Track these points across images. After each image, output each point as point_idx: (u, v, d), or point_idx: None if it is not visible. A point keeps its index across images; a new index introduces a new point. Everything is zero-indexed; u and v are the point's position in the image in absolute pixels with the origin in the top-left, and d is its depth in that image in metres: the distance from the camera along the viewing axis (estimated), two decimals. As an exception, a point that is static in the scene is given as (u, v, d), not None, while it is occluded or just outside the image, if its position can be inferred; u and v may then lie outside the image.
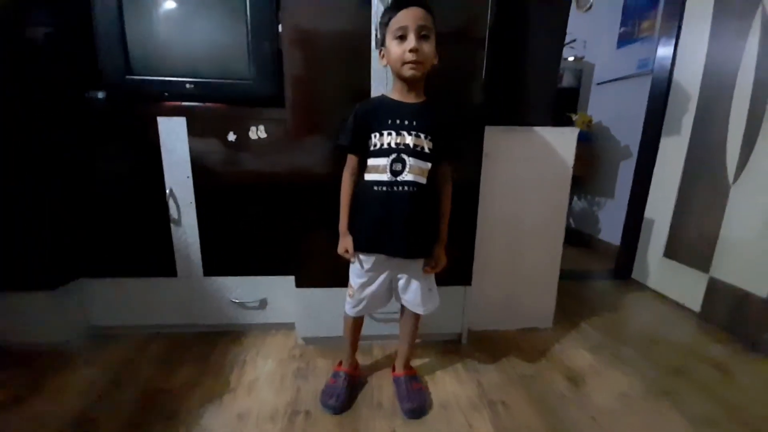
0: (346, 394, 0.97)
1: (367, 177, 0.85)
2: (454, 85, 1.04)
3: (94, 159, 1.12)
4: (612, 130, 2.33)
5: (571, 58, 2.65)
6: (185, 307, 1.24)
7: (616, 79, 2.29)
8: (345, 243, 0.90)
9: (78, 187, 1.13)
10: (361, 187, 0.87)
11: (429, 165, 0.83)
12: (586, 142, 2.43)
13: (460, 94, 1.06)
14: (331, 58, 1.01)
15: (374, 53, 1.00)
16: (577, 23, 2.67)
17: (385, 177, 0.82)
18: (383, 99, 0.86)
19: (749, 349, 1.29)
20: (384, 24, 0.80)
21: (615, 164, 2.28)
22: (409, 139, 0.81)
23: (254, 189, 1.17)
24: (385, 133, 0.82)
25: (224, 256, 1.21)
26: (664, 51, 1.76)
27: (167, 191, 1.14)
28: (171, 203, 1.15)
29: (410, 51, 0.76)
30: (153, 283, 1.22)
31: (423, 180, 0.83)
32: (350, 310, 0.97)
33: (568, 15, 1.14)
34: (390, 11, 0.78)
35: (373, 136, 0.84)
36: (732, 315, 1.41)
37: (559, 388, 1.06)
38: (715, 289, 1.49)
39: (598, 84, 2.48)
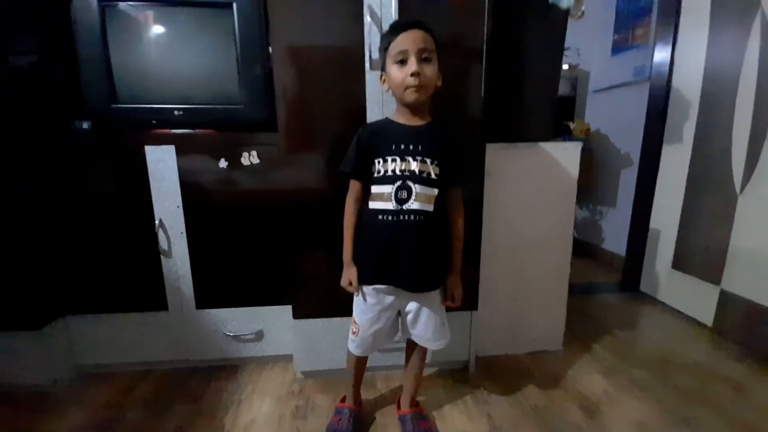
0: (351, 431, 0.91)
1: (371, 205, 0.81)
2: (453, 103, 1.01)
3: (79, 191, 1.07)
4: (611, 138, 2.31)
5: (565, 66, 2.64)
6: (177, 342, 1.18)
7: (612, 87, 2.27)
8: (349, 274, 0.85)
9: (63, 221, 1.08)
10: (365, 215, 0.83)
11: (436, 191, 0.79)
12: (586, 150, 2.40)
13: (459, 112, 1.03)
14: (324, 78, 0.97)
15: (369, 73, 0.97)
16: (570, 31, 2.68)
17: (390, 206, 0.78)
18: (387, 123, 0.83)
19: (764, 366, 1.23)
20: (384, 49, 0.77)
21: (616, 173, 2.25)
22: (414, 165, 0.77)
23: (247, 217, 1.12)
24: (389, 159, 0.78)
25: (217, 287, 1.16)
26: (661, 58, 1.74)
27: (156, 222, 1.09)
28: (161, 234, 1.10)
29: (412, 75, 0.73)
30: (143, 318, 1.16)
31: (430, 207, 0.79)
32: (355, 349, 0.91)
33: (565, 29, 1.12)
34: (389, 35, 0.76)
35: (376, 162, 0.80)
36: (745, 329, 1.36)
37: (573, 418, 1.00)
38: (727, 303, 1.44)
39: (595, 91, 2.46)
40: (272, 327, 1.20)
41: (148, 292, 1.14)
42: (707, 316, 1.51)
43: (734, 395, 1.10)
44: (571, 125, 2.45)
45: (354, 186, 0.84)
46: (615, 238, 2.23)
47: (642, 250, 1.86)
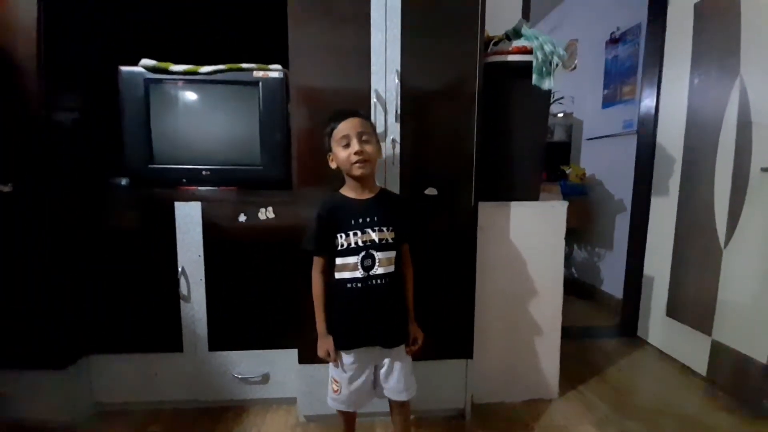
0: None
1: (338, 276, 0.90)
2: (450, 168, 1.15)
3: (111, 240, 1.20)
4: (605, 184, 2.42)
5: (560, 114, 2.82)
6: (189, 382, 1.26)
7: (604, 137, 2.42)
8: (326, 344, 0.91)
9: (92, 266, 1.20)
10: (333, 286, 0.91)
11: (394, 253, 0.91)
12: (582, 195, 2.51)
13: (455, 175, 1.15)
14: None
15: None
16: (565, 81, 2.88)
17: (358, 274, 0.88)
18: (341, 198, 0.93)
19: (754, 416, 1.25)
20: (328, 134, 0.90)
21: (611, 217, 2.34)
22: (374, 235, 0.88)
23: (260, 265, 1.23)
24: (351, 233, 0.88)
25: (230, 330, 1.25)
26: (646, 115, 1.89)
27: (179, 269, 1.20)
28: (182, 281, 1.21)
29: (355, 153, 0.85)
30: (159, 358, 1.24)
31: (392, 268, 0.90)
32: (340, 406, 0.95)
33: (549, 106, 1.27)
34: (332, 123, 0.89)
35: (339, 236, 0.89)
36: (736, 380, 1.39)
37: (565, 472, 1.04)
38: (718, 353, 1.47)
39: (588, 139, 2.61)
40: (278, 370, 1.27)
41: (166, 333, 1.23)
42: (701, 365, 1.54)
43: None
44: (567, 170, 2.58)
45: (318, 261, 0.92)
46: (612, 280, 2.29)
47: (638, 296, 1.91)
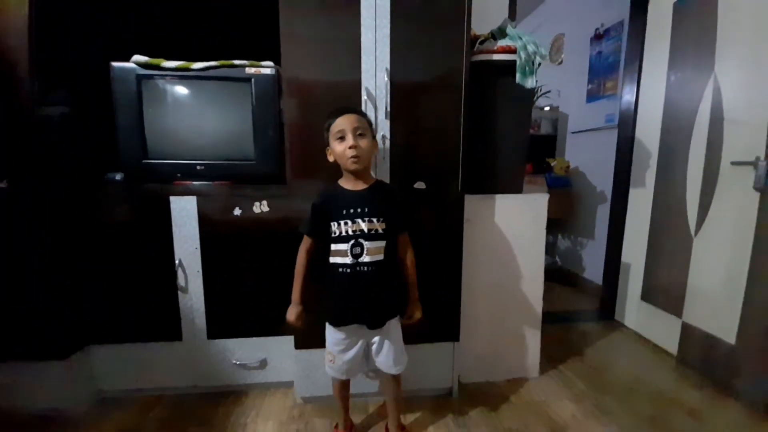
0: None
1: (332, 260, 0.98)
2: (438, 164, 1.20)
3: (109, 234, 1.22)
4: (588, 176, 2.51)
5: (547, 108, 2.89)
6: (189, 369, 1.31)
7: (587, 130, 2.50)
8: (295, 311, 1.03)
9: (92, 259, 1.23)
10: (328, 269, 1.00)
11: (384, 243, 0.98)
12: (566, 186, 2.60)
13: (443, 170, 1.21)
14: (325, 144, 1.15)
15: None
16: (551, 75, 2.94)
17: (348, 260, 0.96)
18: (336, 189, 1.00)
19: (722, 394, 1.37)
20: (326, 129, 0.97)
21: (593, 207, 2.44)
22: (363, 225, 0.95)
23: (256, 256, 1.27)
24: (342, 222, 0.96)
25: (227, 319, 1.30)
26: (626, 110, 1.97)
27: (177, 262, 1.24)
28: (180, 272, 1.25)
29: (350, 148, 0.92)
30: (159, 347, 1.29)
31: (381, 257, 0.97)
32: (334, 373, 1.07)
33: (532, 103, 1.33)
34: (330, 118, 0.96)
35: (332, 224, 0.97)
36: (705, 360, 1.51)
37: (543, 441, 1.13)
38: (688, 335, 1.59)
39: (573, 133, 2.69)
40: (275, 356, 1.33)
41: (165, 323, 1.27)
42: (672, 346, 1.66)
43: (689, 420, 1.23)
44: (552, 163, 2.66)
45: (306, 240, 1.02)
46: (594, 267, 2.40)
47: (615, 282, 2.02)
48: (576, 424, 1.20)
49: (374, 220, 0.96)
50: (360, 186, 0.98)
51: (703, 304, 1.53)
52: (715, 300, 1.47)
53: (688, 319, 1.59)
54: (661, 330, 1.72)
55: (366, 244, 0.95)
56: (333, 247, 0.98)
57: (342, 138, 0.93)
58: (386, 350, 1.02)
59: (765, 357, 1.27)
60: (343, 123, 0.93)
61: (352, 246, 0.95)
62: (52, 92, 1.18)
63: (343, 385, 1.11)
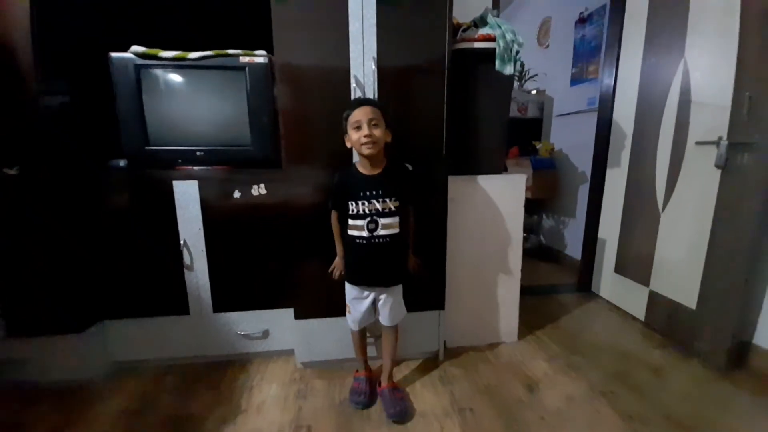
0: (369, 392, 1.23)
1: (350, 232, 1.15)
2: (422, 146, 1.29)
3: (117, 217, 1.31)
4: (571, 157, 2.62)
5: (533, 91, 2.96)
6: (197, 340, 1.42)
7: (571, 113, 2.59)
8: (338, 264, 1.24)
9: (102, 242, 1.31)
10: (347, 238, 1.17)
11: (397, 218, 1.13)
12: (551, 168, 2.72)
13: (427, 153, 1.30)
14: (319, 129, 1.23)
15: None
16: (538, 58, 3.01)
17: (364, 233, 1.11)
18: (353, 171, 1.14)
19: (684, 355, 1.52)
20: (345, 119, 1.08)
21: (575, 188, 2.56)
22: (378, 205, 1.09)
23: (257, 236, 1.37)
24: (359, 202, 1.10)
25: (231, 294, 1.40)
26: (605, 93, 2.06)
27: (182, 242, 1.33)
28: (185, 252, 1.34)
29: (365, 136, 1.03)
30: (168, 321, 1.39)
31: (395, 230, 1.12)
32: (351, 324, 1.23)
33: (511, 89, 1.42)
34: (349, 109, 1.08)
35: (350, 203, 1.11)
36: (669, 324, 1.66)
37: (517, 394, 1.27)
38: (654, 302, 1.74)
39: (557, 116, 2.78)
40: (276, 327, 1.45)
41: (173, 299, 1.37)
42: (640, 312, 1.81)
43: (651, 376, 1.38)
44: (538, 145, 2.76)
45: (334, 213, 1.20)
46: (574, 244, 2.54)
47: (592, 256, 2.16)
48: (548, 379, 1.35)
49: (387, 200, 1.10)
50: (374, 170, 1.11)
51: (668, 273, 1.68)
52: (679, 270, 1.61)
53: (654, 287, 1.74)
54: (631, 298, 1.88)
55: (381, 220, 1.10)
56: (350, 222, 1.13)
57: (358, 128, 1.04)
58: (388, 306, 1.18)
59: (722, 320, 1.42)
60: (359, 114, 1.04)
61: (368, 222, 1.10)
62: (55, 83, 1.24)
63: (360, 335, 1.26)
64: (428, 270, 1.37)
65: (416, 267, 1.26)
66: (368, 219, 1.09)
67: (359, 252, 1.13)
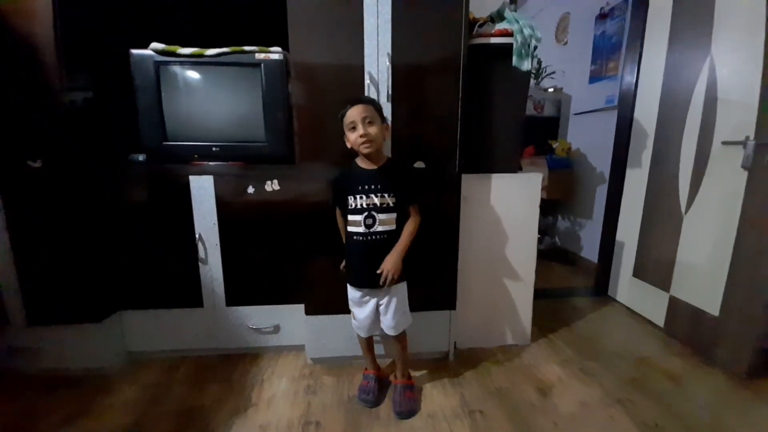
0: (377, 390, 1.23)
1: (349, 228, 1.13)
2: (437, 145, 1.28)
3: (137, 210, 1.34)
4: (588, 157, 2.55)
5: (551, 89, 2.90)
6: (209, 333, 1.44)
7: (589, 112, 2.52)
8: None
9: (120, 235, 1.35)
10: (347, 236, 1.15)
11: (395, 215, 1.10)
12: (567, 168, 2.65)
13: (441, 151, 1.29)
14: (331, 126, 1.21)
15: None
16: (555, 56, 2.94)
17: (362, 229, 1.09)
18: (353, 167, 1.12)
19: (704, 363, 1.46)
20: (340, 119, 1.07)
21: (593, 188, 2.49)
22: (376, 200, 1.08)
23: (269, 231, 1.38)
24: (357, 197, 1.09)
25: (244, 288, 1.42)
26: (626, 91, 1.99)
27: (197, 236, 1.35)
28: (200, 246, 1.36)
29: (361, 136, 1.02)
30: (182, 313, 1.42)
31: (392, 227, 1.10)
32: (356, 330, 1.22)
33: (528, 86, 1.38)
34: (343, 110, 1.06)
35: (349, 198, 1.10)
36: (690, 330, 1.60)
37: (529, 398, 1.25)
38: (675, 307, 1.68)
39: (575, 114, 2.71)
40: (287, 322, 1.46)
41: (187, 291, 1.40)
42: (660, 318, 1.75)
43: (670, 384, 1.33)
44: (554, 144, 2.70)
45: (337, 211, 1.19)
46: (591, 247, 2.47)
47: (610, 259, 2.10)
48: (561, 384, 1.32)
49: (385, 195, 1.08)
50: (373, 165, 1.10)
51: (689, 279, 1.61)
52: (702, 275, 1.55)
53: (675, 293, 1.68)
54: (650, 304, 1.81)
55: (378, 216, 1.08)
56: (350, 218, 1.11)
57: (354, 128, 1.03)
58: (390, 312, 1.14)
59: (746, 328, 1.36)
60: (353, 114, 1.03)
61: (366, 217, 1.08)
62: (78, 79, 1.27)
63: (366, 343, 1.25)
64: (439, 268, 1.36)
65: (394, 272, 1.05)
66: (365, 214, 1.08)
67: (357, 250, 1.11)
